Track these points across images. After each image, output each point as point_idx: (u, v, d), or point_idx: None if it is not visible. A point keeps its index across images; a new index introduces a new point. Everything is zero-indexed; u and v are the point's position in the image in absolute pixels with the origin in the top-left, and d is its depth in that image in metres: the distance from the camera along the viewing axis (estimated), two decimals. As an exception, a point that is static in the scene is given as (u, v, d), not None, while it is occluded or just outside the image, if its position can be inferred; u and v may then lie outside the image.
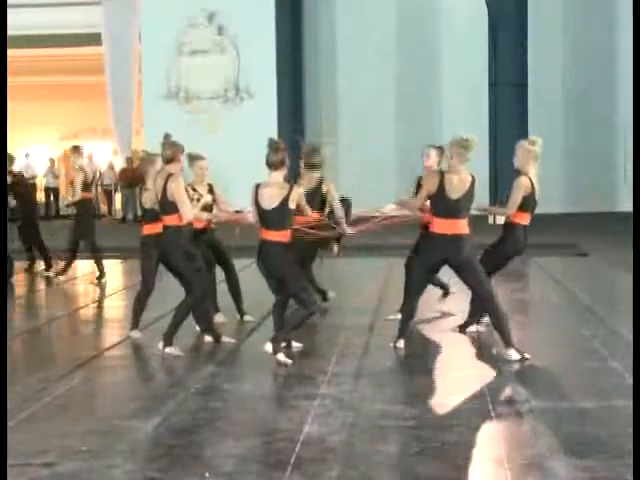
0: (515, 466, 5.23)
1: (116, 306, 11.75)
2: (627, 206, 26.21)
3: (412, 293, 8.82)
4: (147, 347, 9.09)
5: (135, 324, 9.39)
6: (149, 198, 9.24)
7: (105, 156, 30.15)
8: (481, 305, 8.81)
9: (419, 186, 9.88)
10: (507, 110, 23.10)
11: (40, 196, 30.01)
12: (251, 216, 8.40)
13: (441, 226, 8.26)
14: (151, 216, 9.26)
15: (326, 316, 10.31)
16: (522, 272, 14.58)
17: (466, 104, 26.06)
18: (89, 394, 7.41)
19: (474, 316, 9.31)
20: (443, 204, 8.24)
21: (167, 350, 8.41)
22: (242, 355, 8.53)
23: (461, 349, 8.72)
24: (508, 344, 8.14)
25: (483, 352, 8.46)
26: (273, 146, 8.21)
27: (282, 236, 8.08)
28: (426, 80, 27.40)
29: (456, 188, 8.23)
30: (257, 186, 8.20)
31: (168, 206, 8.49)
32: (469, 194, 8.29)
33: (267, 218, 8.09)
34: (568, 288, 12.52)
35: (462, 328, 9.32)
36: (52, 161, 30.39)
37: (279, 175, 8.18)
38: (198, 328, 9.19)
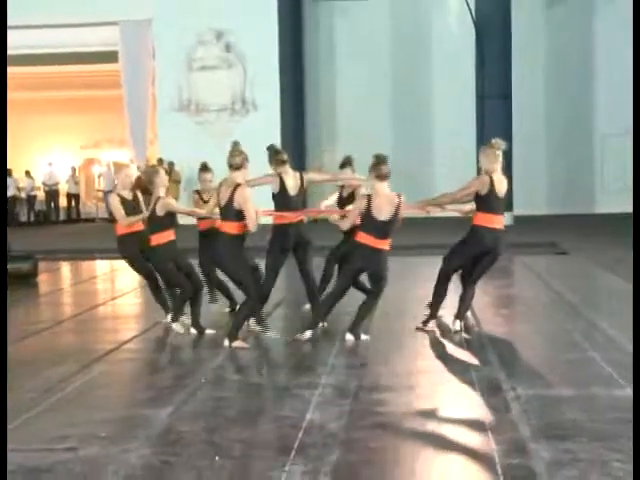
0: (502, 449, 5.22)
1: (132, 303, 11.75)
2: (603, 208, 26.38)
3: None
4: (160, 341, 9.10)
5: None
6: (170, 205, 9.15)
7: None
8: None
9: (342, 198, 9.91)
10: (493, 120, 23.08)
11: (63, 201, 30.13)
12: (346, 223, 8.63)
13: (492, 220, 8.72)
14: (163, 225, 9.15)
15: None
16: (508, 269, 14.57)
17: (455, 114, 26.11)
18: (107, 385, 7.39)
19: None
20: (494, 202, 8.69)
21: (234, 345, 8.34)
22: (248, 348, 8.49)
23: (453, 341, 8.72)
24: (430, 319, 9.09)
25: (473, 344, 8.44)
26: (381, 158, 8.35)
27: (389, 244, 8.44)
28: (419, 91, 27.47)
29: (502, 188, 8.72)
30: (369, 197, 8.34)
31: (231, 214, 8.24)
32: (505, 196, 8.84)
33: (382, 228, 8.31)
34: (551, 284, 12.50)
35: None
36: (73, 169, 30.41)
37: (386, 186, 8.33)
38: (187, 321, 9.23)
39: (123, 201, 9.67)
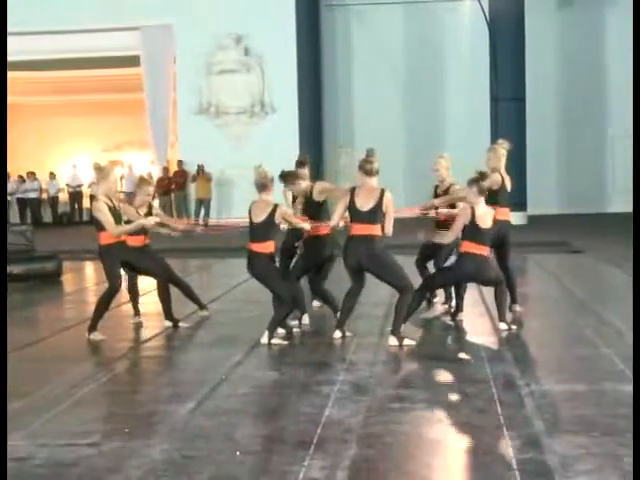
0: (517, 443, 5.21)
1: (154, 302, 11.75)
2: (615, 208, 26.25)
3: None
4: (181, 339, 9.11)
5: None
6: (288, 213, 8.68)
7: (143, 166, 30.18)
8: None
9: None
10: (507, 122, 23.01)
11: (86, 202, 30.17)
12: (450, 237, 8.94)
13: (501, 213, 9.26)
14: (273, 234, 8.53)
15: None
16: (521, 268, 14.53)
17: (469, 116, 26.06)
18: (129, 381, 7.42)
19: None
20: (503, 195, 9.50)
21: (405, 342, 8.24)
22: (267, 345, 8.49)
23: (467, 338, 8.72)
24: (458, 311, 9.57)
25: (486, 341, 8.42)
26: (484, 175, 8.77)
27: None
28: (433, 93, 27.43)
29: (508, 184, 9.58)
30: (472, 209, 8.61)
31: (378, 217, 8.22)
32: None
33: (485, 236, 8.65)
34: (563, 282, 12.47)
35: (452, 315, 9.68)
36: (96, 171, 30.42)
37: (483, 200, 8.70)
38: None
39: (109, 208, 8.73)
